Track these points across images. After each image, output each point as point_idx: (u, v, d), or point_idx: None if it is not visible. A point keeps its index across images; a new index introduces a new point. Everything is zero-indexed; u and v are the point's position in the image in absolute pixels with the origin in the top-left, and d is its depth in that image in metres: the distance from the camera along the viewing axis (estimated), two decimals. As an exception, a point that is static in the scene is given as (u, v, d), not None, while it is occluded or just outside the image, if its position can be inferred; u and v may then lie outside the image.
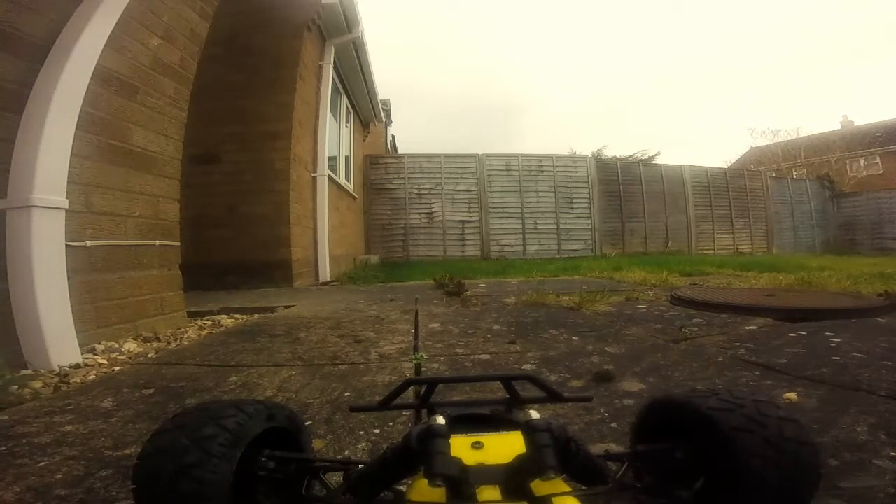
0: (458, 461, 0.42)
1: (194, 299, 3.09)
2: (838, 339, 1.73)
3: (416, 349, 1.78)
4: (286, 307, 3.09)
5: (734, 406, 0.52)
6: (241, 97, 4.72)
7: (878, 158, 21.57)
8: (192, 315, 2.82)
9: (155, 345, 2.16)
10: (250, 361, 1.66)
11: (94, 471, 0.85)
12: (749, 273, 5.15)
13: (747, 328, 2.03)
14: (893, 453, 0.82)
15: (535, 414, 0.47)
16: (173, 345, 2.18)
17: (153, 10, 2.38)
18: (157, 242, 2.46)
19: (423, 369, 1.52)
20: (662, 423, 0.59)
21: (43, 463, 0.89)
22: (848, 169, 21.09)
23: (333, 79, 6.07)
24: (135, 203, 2.32)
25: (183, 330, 2.50)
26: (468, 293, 3.47)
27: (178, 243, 2.65)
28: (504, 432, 0.51)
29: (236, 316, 2.92)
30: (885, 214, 13.74)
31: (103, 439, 1.00)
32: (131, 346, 2.08)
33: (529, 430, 0.44)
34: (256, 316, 2.84)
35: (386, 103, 12.26)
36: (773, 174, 15.58)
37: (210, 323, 2.74)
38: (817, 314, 2.22)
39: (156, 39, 2.41)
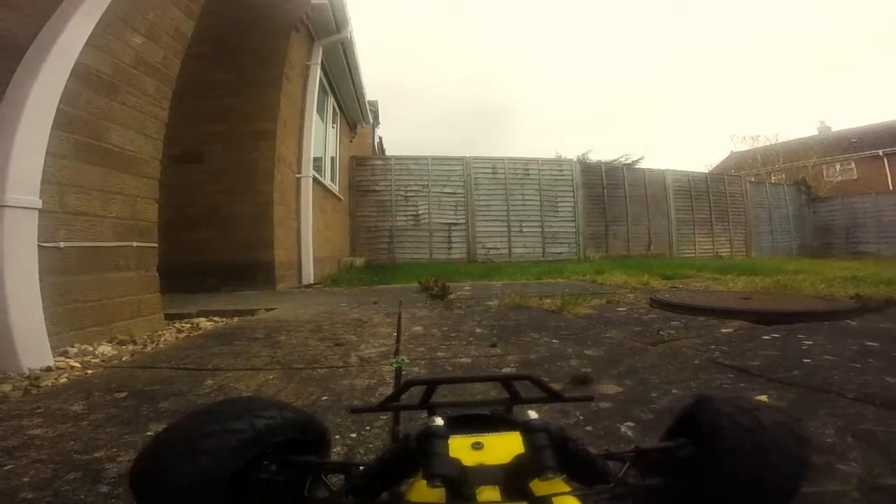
0: (457, 462, 0.42)
1: (173, 302, 3.04)
2: (810, 342, 1.78)
3: (396, 352, 1.78)
4: (267, 310, 3.06)
5: (736, 409, 0.52)
6: (226, 96, 4.65)
7: (853, 164, 22.17)
8: (171, 318, 2.77)
9: (130, 348, 2.12)
10: (227, 365, 1.64)
11: (62, 474, 0.84)
12: (728, 276, 5.26)
13: (723, 331, 2.07)
14: (859, 456, 0.84)
15: (533, 414, 0.48)
16: (149, 348, 2.14)
17: (137, 8, 2.34)
18: (135, 244, 2.41)
19: (403, 373, 1.52)
20: (687, 424, 0.59)
21: (9, 466, 0.87)
22: (825, 174, 21.62)
23: (321, 79, 6.03)
24: (112, 203, 2.27)
25: (160, 333, 2.45)
26: (452, 296, 3.48)
27: (156, 244, 2.60)
28: (503, 433, 0.51)
29: (215, 319, 2.88)
30: (859, 219, 14.13)
31: (72, 443, 0.99)
32: (105, 348, 2.03)
33: (528, 430, 0.44)
34: (236, 319, 2.80)
35: (374, 104, 12.23)
36: (753, 179, 15.91)
37: (188, 326, 2.69)
38: (791, 317, 2.27)
39: (139, 37, 2.37)
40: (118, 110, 2.29)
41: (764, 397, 1.19)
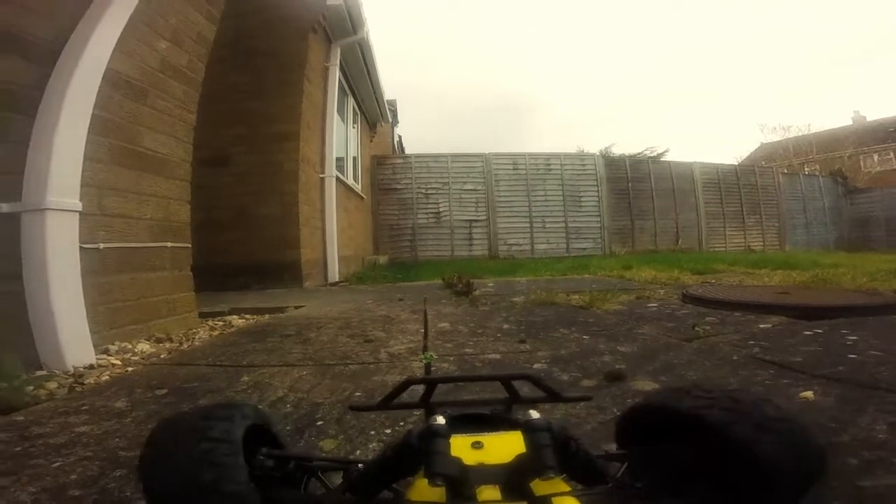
0: (458, 461, 0.42)
1: (205, 300, 3.12)
2: (855, 337, 1.70)
3: (425, 349, 1.78)
4: (296, 307, 3.11)
5: (733, 403, 0.50)
6: (249, 99, 4.75)
7: (891, 154, 21.21)
8: (204, 316, 2.84)
9: (167, 345, 2.18)
10: (261, 361, 1.67)
11: (108, 471, 0.85)
12: (762, 270, 5.09)
13: (761, 326, 2.00)
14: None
15: (535, 414, 0.47)
16: (185, 345, 2.19)
17: (160, 14, 2.40)
18: (169, 244, 2.48)
19: (432, 369, 1.52)
20: (646, 427, 0.58)
21: (58, 463, 0.89)
22: (862, 165, 20.78)
23: (340, 80, 6.08)
24: (146, 205, 2.34)
25: (194, 331, 2.52)
26: (477, 292, 3.46)
27: (190, 245, 2.67)
28: (504, 432, 0.51)
29: (247, 316, 2.94)
30: (901, 210, 13.52)
31: (117, 440, 1.01)
32: (144, 346, 2.10)
33: (529, 429, 0.44)
34: (267, 316, 2.85)
35: (392, 104, 12.27)
36: (785, 170, 15.38)
37: (221, 323, 2.76)
38: (833, 312, 2.18)
39: (163, 42, 2.43)
40: (148, 114, 2.35)
41: (809, 394, 1.14)
